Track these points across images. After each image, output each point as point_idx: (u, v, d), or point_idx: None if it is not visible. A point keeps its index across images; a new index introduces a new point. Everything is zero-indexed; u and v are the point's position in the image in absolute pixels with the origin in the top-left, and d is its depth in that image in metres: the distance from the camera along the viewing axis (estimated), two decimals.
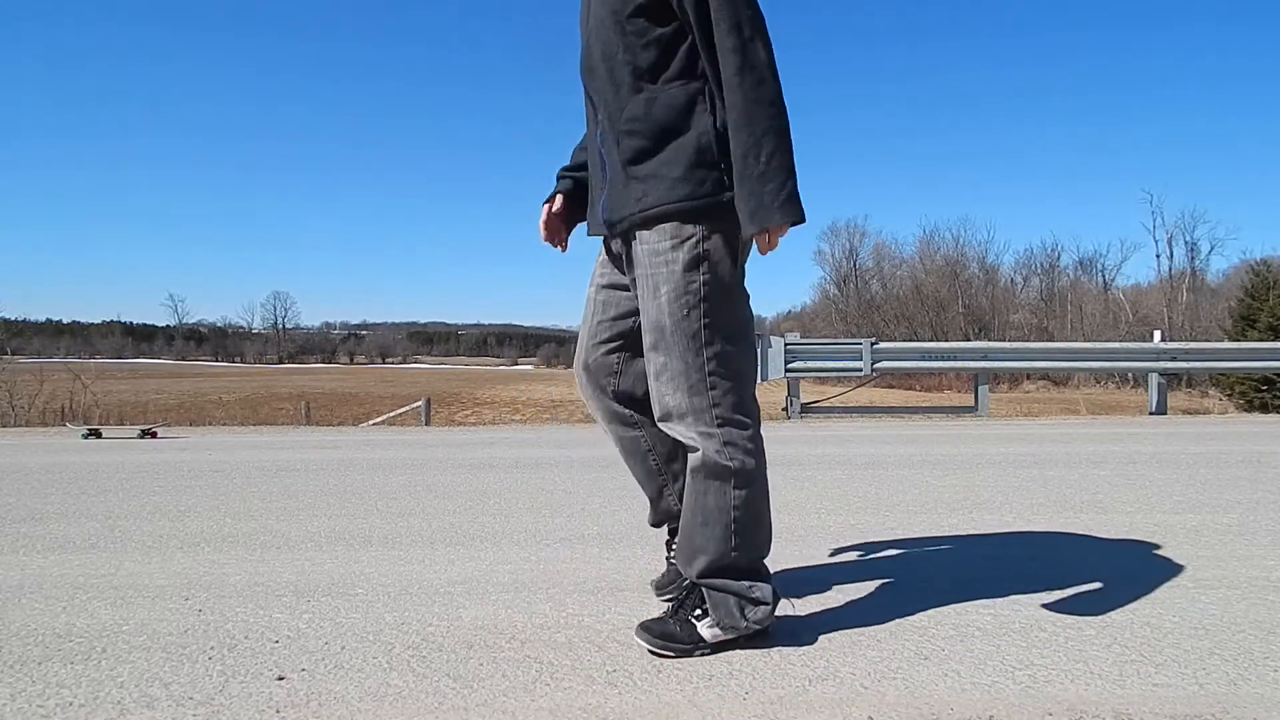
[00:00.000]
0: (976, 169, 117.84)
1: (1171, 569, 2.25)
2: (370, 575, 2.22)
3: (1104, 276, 54.31)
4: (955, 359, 8.35)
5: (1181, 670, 1.55)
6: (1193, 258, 50.07)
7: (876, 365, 8.27)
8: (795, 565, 2.28)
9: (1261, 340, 18.12)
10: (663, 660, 1.59)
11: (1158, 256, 50.74)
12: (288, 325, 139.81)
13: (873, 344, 8.30)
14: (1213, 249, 58.22)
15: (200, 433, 6.66)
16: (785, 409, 8.42)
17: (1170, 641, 1.69)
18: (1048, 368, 10.27)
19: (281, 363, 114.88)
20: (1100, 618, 1.83)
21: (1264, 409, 16.94)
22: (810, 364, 8.34)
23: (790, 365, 8.23)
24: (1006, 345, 8.45)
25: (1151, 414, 8.29)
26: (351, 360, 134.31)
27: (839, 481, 3.75)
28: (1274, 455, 4.65)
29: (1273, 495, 3.36)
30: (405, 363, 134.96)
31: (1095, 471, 3.99)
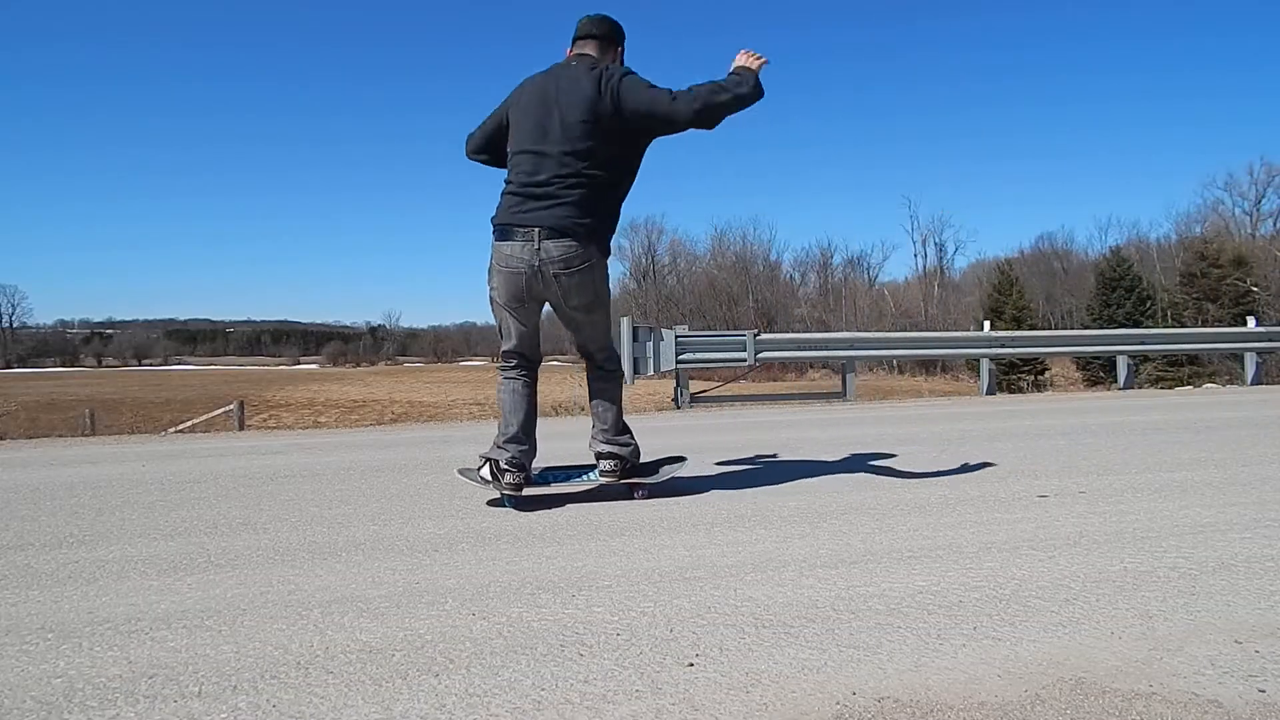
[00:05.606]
0: (762, 168, 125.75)
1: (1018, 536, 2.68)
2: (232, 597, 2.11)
3: (869, 274, 60.54)
4: (826, 349, 9.04)
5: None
6: (941, 258, 57.22)
7: (759, 355, 8.74)
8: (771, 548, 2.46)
9: (1007, 330, 21.24)
10: (661, 661, 1.56)
11: (915, 256, 57.39)
12: (15, 325, 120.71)
13: (755, 335, 8.77)
14: (956, 250, 66.69)
15: None
16: (675, 399, 8.66)
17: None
18: (910, 356, 11.36)
19: (10, 366, 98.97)
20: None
21: (1094, 385, 20.10)
22: (699, 355, 8.65)
23: (681, 357, 8.49)
24: (870, 335, 9.32)
25: (985, 394, 9.47)
26: (100, 363, 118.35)
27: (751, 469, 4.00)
28: (1051, 427, 5.53)
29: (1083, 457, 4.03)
30: (167, 364, 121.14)
31: (995, 444, 4.55)
